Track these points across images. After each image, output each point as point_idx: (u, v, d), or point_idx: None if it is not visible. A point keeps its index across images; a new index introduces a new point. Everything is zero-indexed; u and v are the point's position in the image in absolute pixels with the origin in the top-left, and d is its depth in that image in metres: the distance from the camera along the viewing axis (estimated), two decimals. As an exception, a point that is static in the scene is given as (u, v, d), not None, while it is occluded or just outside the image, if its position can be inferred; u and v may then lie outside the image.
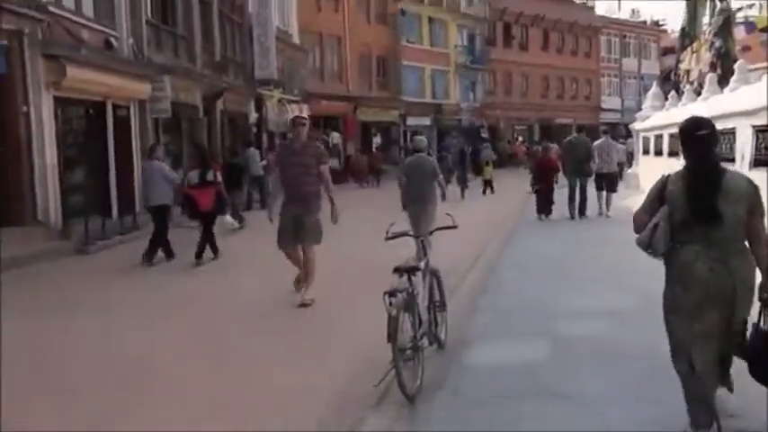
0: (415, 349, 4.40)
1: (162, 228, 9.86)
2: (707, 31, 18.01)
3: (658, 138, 18.15)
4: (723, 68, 16.50)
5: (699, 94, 16.97)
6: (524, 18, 45.82)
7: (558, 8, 48.91)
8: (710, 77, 14.23)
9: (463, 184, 20.97)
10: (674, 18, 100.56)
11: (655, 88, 22.28)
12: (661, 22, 60.19)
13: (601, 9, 54.08)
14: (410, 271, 4.61)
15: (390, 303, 4.16)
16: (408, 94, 37.87)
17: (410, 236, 5.53)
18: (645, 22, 58.46)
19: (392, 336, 4.06)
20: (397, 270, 4.58)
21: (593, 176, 13.61)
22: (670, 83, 23.70)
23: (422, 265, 4.94)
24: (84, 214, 12.13)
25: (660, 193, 3.32)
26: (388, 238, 5.15)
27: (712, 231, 3.16)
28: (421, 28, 39.18)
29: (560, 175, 14.25)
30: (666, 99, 19.42)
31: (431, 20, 39.61)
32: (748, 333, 3.22)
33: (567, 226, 12.95)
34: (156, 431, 4.02)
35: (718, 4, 18.85)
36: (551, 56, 48.55)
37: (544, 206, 13.43)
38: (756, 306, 3.22)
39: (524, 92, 47.22)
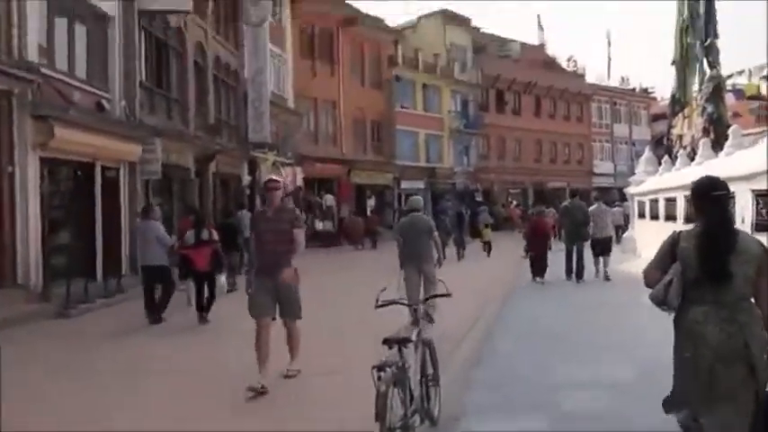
0: (405, 428, 4.03)
1: (169, 286, 10.00)
2: (698, 97, 18.16)
3: (654, 202, 18.05)
4: (716, 133, 16.55)
5: (692, 158, 17.03)
6: (517, 85, 46.66)
7: (550, 75, 49.95)
8: (704, 142, 14.24)
9: (461, 246, 21.34)
10: (662, 86, 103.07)
11: (648, 153, 22.40)
12: (650, 90, 61.42)
13: (591, 77, 55.29)
14: (401, 342, 4.28)
15: (379, 378, 3.83)
16: (402, 157, 38.09)
17: (402, 304, 5.19)
18: (634, 90, 59.64)
19: (380, 414, 3.72)
20: (387, 341, 4.25)
21: (590, 242, 13.73)
22: (662, 148, 23.82)
23: (414, 335, 4.60)
24: (67, 276, 11.73)
25: (672, 249, 3.34)
26: (378, 306, 4.82)
27: (722, 291, 3.18)
28: (415, 93, 39.79)
29: (554, 239, 14.54)
30: (660, 164, 19.45)
31: (425, 86, 40.25)
32: None
33: (564, 288, 12.93)
34: None
35: (708, 72, 19.09)
36: (544, 121, 49.26)
37: (539, 269, 13.60)
38: None
39: (518, 156, 47.66)
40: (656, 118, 60.24)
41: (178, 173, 18.59)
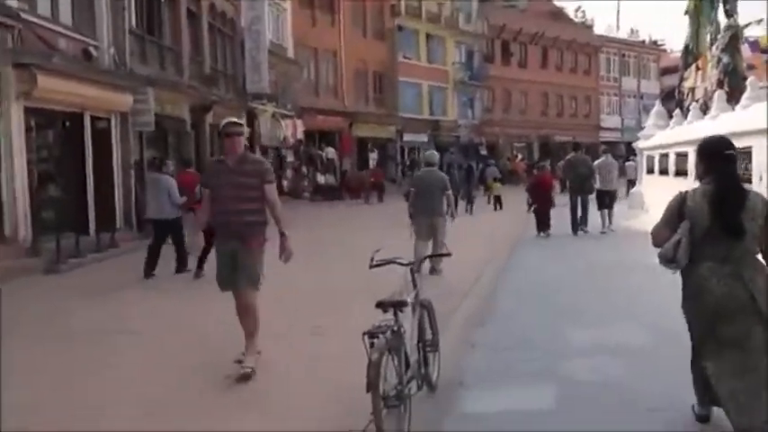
0: (400, 397, 3.68)
1: (180, 240, 9.88)
2: (713, 48, 17.40)
3: (664, 157, 17.50)
4: (731, 85, 15.90)
5: (705, 112, 16.42)
6: (523, 35, 45.46)
7: (557, 26, 48.64)
8: (719, 94, 13.60)
9: (470, 200, 21.57)
10: (672, 38, 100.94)
11: (658, 106, 21.70)
12: (660, 42, 59.99)
13: (600, 28, 53.90)
14: (396, 306, 3.93)
15: (371, 345, 3.52)
16: (405, 110, 37.34)
17: (399, 263, 4.76)
18: (644, 42, 58.19)
19: (372, 384, 3.41)
20: (380, 305, 3.91)
21: (595, 194, 13.93)
22: (673, 101, 23.14)
23: (411, 298, 4.23)
24: (57, 231, 11.35)
25: (680, 209, 3.46)
26: (372, 266, 4.37)
27: (732, 246, 3.32)
28: (418, 44, 38.75)
29: (559, 192, 14.88)
30: (671, 117, 18.83)
31: (428, 36, 39.18)
32: None
33: (571, 242, 12.87)
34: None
35: (723, 21, 18.31)
36: (550, 73, 48.17)
37: (543, 223, 13.64)
38: None
39: (523, 109, 46.76)
40: (665, 71, 58.95)
41: (173, 124, 18.04)
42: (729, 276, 3.29)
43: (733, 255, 3.31)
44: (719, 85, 16.17)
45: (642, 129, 21.93)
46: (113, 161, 14.49)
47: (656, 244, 3.53)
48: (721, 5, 17.72)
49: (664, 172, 17.07)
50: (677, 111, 18.98)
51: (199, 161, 19.31)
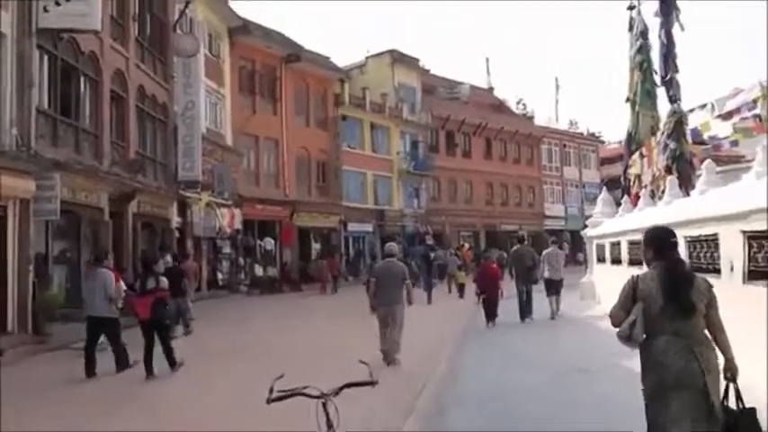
0: None
1: (114, 338, 9.56)
2: (658, 134, 17.10)
3: (615, 245, 16.70)
4: (679, 171, 15.40)
5: (653, 198, 15.84)
6: (467, 126, 45.84)
7: (500, 118, 49.45)
8: (671, 180, 12.96)
9: (429, 288, 21.43)
10: (609, 130, 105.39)
11: (604, 194, 21.29)
12: (598, 134, 61.81)
13: (540, 120, 55.17)
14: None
15: None
16: (349, 199, 36.43)
17: (306, 395, 3.33)
18: (582, 133, 59.80)
19: None
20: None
21: (544, 283, 14.83)
22: (615, 190, 22.91)
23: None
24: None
25: (633, 292, 3.89)
26: (271, 400, 3.23)
27: (683, 323, 3.75)
28: (363, 133, 38.38)
29: (502, 282, 14.93)
30: (619, 204, 18.26)
31: (373, 125, 38.94)
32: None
33: (520, 334, 12.96)
34: None
35: (664, 108, 18.19)
36: (494, 164, 48.47)
37: (491, 314, 13.87)
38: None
39: (469, 198, 46.56)
40: (604, 161, 60.63)
41: (88, 213, 16.43)
42: (684, 350, 3.67)
43: (685, 330, 3.71)
44: (668, 170, 15.67)
45: (587, 217, 21.91)
46: (8, 254, 12.69)
47: (615, 324, 3.91)
48: (664, 92, 17.54)
49: (616, 261, 16.18)
50: (625, 197, 18.45)
51: (118, 253, 17.67)
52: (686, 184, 14.89)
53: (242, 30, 29.17)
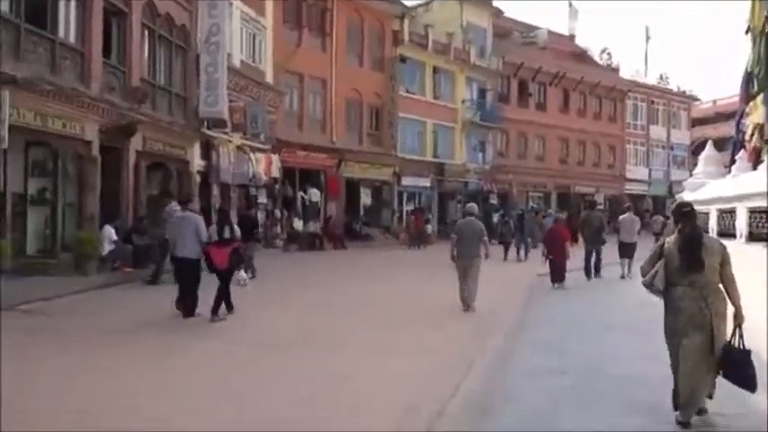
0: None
1: (195, 282, 9.57)
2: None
3: (726, 214, 12.78)
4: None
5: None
6: (542, 75, 41.16)
7: (581, 67, 44.43)
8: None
9: (525, 246, 22.56)
10: (702, 88, 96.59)
11: (709, 150, 17.28)
12: (689, 92, 55.50)
13: (626, 73, 49.56)
14: None
15: None
16: (405, 150, 32.88)
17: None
18: (672, 90, 53.70)
19: None
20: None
21: (618, 246, 15.82)
22: (728, 144, 18.66)
23: None
24: None
25: (660, 251, 4.90)
26: None
27: (696, 276, 4.64)
28: (424, 77, 34.47)
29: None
30: (733, 161, 14.25)
31: (435, 69, 34.94)
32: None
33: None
34: None
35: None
36: (572, 118, 43.62)
37: (557, 275, 14.00)
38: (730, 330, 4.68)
39: (540, 156, 42.10)
40: (695, 122, 54.48)
41: (69, 146, 13.75)
42: (697, 298, 4.63)
43: (698, 282, 4.64)
44: (811, 115, 11.53)
45: (673, 182, 20.55)
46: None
47: (643, 274, 4.98)
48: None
49: (726, 234, 12.27)
50: (741, 153, 14.40)
51: (114, 196, 15.06)
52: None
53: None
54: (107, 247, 14.09)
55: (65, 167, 13.81)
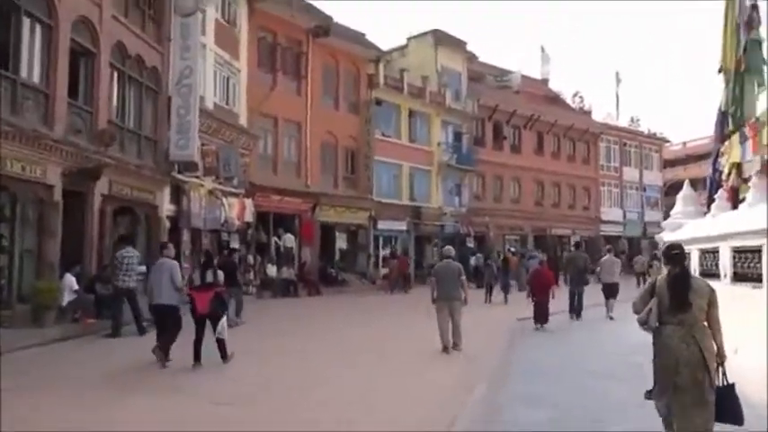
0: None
1: (176, 328, 9.50)
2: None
3: (707, 254, 12.51)
4: (809, 155, 11.12)
5: None
6: (517, 118, 41.50)
7: (554, 110, 44.93)
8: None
9: (506, 290, 22.45)
10: (673, 130, 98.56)
11: (687, 189, 17.09)
12: (660, 134, 56.38)
13: (598, 116, 50.18)
14: None
15: None
16: (381, 194, 32.55)
17: None
18: (644, 132, 54.49)
19: None
20: None
21: (602, 287, 16.50)
22: (701, 186, 18.62)
23: None
24: None
25: (652, 289, 5.06)
26: None
27: (685, 315, 4.81)
28: (399, 120, 34.45)
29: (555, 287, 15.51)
30: (712, 200, 14.09)
31: (411, 112, 34.98)
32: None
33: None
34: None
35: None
36: (546, 160, 43.91)
37: (541, 315, 14.14)
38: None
39: (516, 198, 42.13)
40: (667, 164, 55.19)
41: (31, 191, 13.14)
42: (685, 336, 4.74)
43: (687, 321, 4.79)
44: (791, 154, 11.38)
45: (647, 223, 20.11)
46: None
47: (635, 312, 5.09)
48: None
49: (708, 274, 11.97)
50: (720, 192, 14.26)
51: (75, 241, 14.37)
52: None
53: (262, -6, 25.72)
54: (67, 297, 13.36)
55: (24, 213, 13.15)
